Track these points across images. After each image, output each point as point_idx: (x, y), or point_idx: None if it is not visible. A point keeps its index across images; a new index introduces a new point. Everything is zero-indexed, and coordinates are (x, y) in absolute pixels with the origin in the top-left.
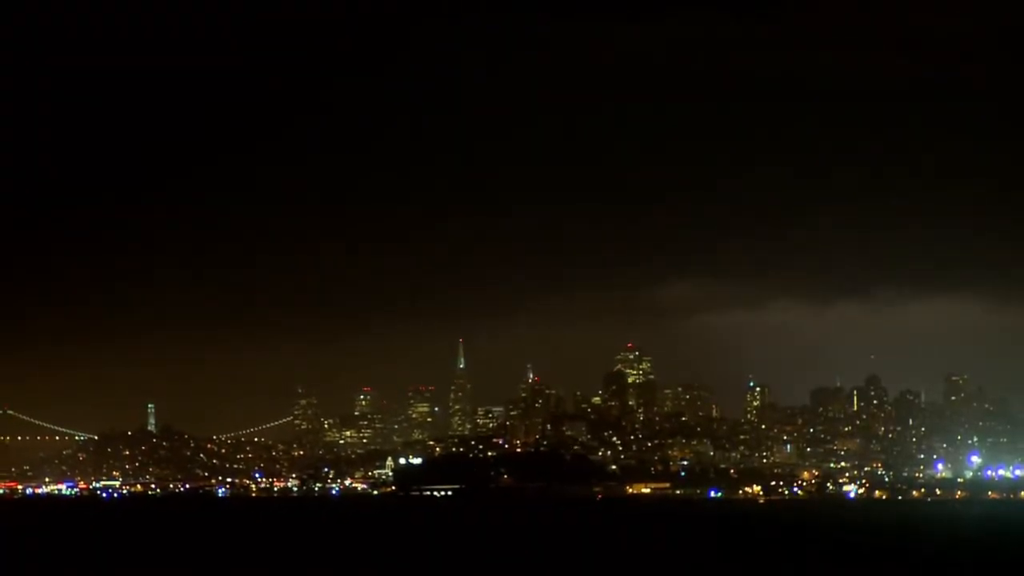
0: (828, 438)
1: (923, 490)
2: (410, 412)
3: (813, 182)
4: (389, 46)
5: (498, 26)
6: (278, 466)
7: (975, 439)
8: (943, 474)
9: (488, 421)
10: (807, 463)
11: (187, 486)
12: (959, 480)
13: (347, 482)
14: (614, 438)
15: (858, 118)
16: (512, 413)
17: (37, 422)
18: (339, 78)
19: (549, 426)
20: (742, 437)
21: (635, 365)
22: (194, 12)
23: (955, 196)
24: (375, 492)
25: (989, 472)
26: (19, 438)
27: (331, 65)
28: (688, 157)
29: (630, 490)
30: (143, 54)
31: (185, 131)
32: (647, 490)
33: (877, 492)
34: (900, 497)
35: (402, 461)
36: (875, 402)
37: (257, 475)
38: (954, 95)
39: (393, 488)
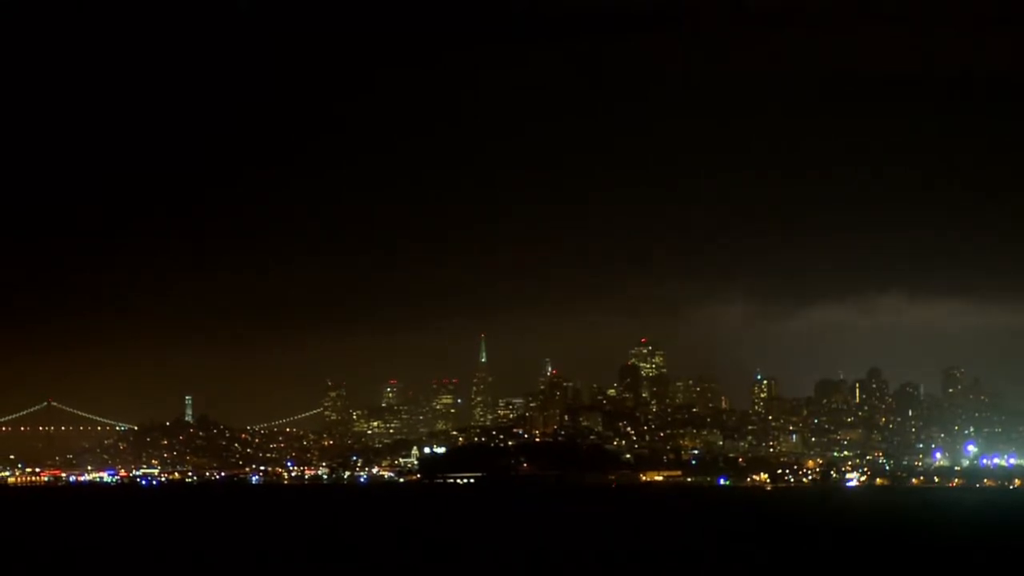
0: (832, 428)
1: (922, 478)
2: (434, 404)
3: (816, 183)
4: (397, 59)
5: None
6: (309, 455)
7: (971, 429)
8: (941, 463)
9: (508, 412)
10: (812, 452)
11: (222, 474)
12: (956, 469)
13: (374, 470)
14: (628, 428)
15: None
16: (531, 405)
17: (80, 413)
18: (365, 86)
19: (566, 417)
20: (750, 427)
21: (648, 359)
22: (220, 29)
23: (954, 197)
24: (401, 480)
25: (985, 461)
26: (63, 428)
27: (359, 74)
28: (691, 158)
29: (643, 478)
30: (178, 68)
31: (223, 138)
32: (659, 478)
33: (878, 480)
34: (915, 482)
35: (427, 450)
36: (876, 394)
37: (289, 463)
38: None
39: (418, 476)
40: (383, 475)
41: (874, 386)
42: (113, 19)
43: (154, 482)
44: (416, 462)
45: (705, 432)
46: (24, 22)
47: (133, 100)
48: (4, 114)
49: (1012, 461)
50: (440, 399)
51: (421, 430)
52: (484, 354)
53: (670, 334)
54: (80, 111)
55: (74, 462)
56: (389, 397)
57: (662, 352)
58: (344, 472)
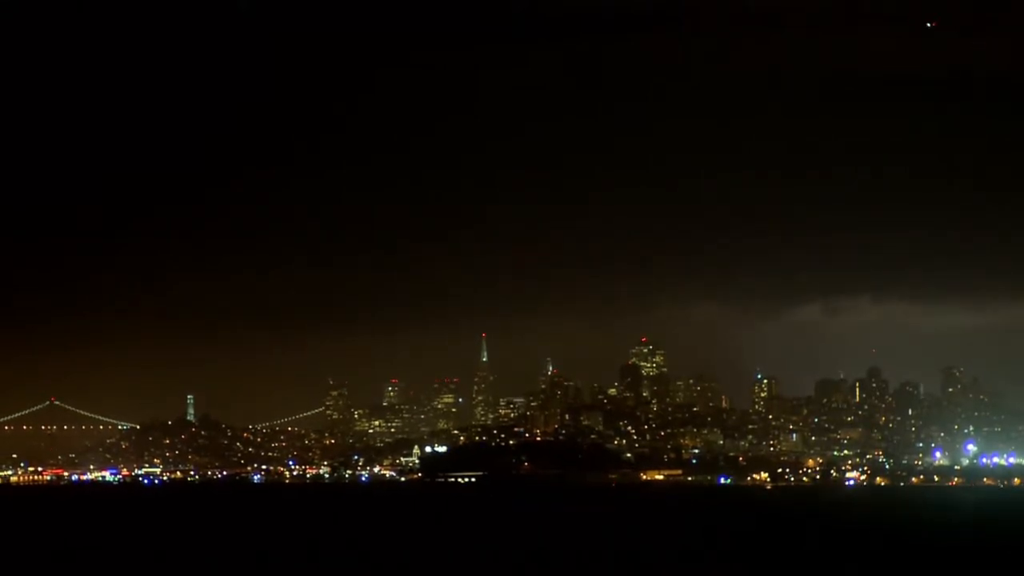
0: (832, 427)
1: (922, 477)
2: (435, 403)
3: (816, 183)
4: (397, 59)
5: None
6: (310, 454)
7: (971, 428)
8: (941, 462)
9: (509, 411)
10: (812, 451)
11: (224, 473)
12: (956, 468)
13: (376, 469)
14: (629, 427)
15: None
16: (532, 404)
17: (82, 412)
18: (365, 86)
19: (567, 416)
20: (750, 427)
21: (649, 358)
22: (220, 29)
23: (954, 197)
24: (402, 479)
25: (984, 460)
26: (65, 428)
27: (359, 74)
28: (691, 158)
29: (644, 477)
30: (178, 69)
31: (223, 138)
32: (660, 477)
33: (878, 479)
34: (915, 481)
35: (428, 449)
36: (876, 394)
37: (291, 463)
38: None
39: (419, 475)
40: (384, 474)
41: (874, 385)
42: (113, 19)
43: (156, 481)
44: (417, 461)
45: (705, 431)
46: (24, 22)
47: (133, 100)
48: (4, 114)
49: (1011, 460)
50: (441, 398)
51: (422, 429)
52: (485, 353)
53: (670, 334)
54: (80, 111)
55: (76, 461)
56: (390, 396)
57: (662, 351)
58: (346, 471)
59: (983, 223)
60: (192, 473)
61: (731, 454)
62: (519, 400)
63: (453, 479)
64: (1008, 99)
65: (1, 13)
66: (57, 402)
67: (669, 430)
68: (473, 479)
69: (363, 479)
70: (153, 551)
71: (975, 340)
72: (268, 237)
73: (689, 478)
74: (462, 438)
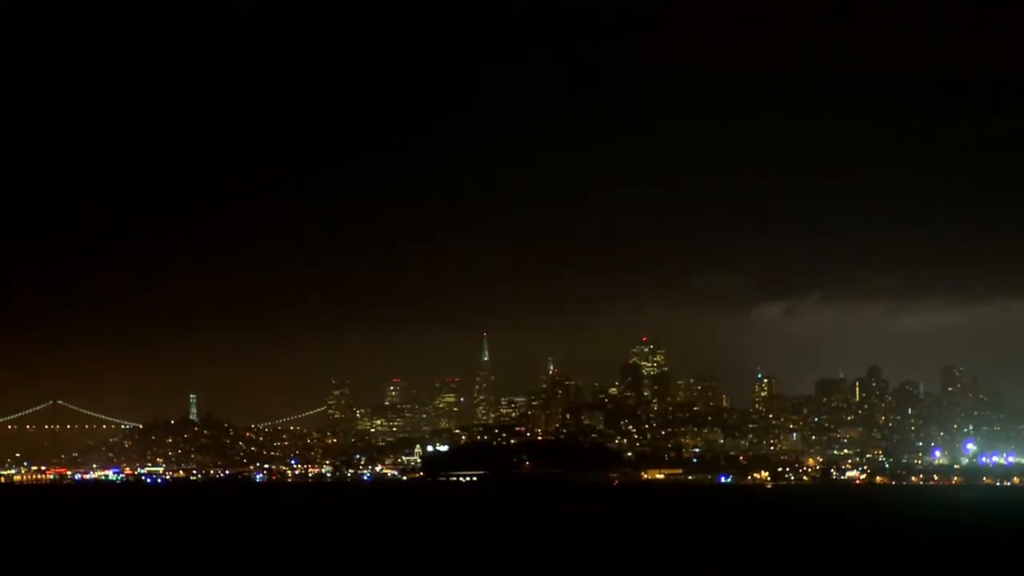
0: (832, 427)
1: (921, 476)
2: (437, 402)
3: (816, 183)
4: (397, 59)
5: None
6: (313, 453)
7: (970, 428)
8: (940, 461)
9: (511, 411)
10: (812, 450)
11: (226, 472)
12: (955, 467)
13: (378, 468)
14: (630, 427)
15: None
16: (533, 403)
17: (86, 412)
18: (365, 86)
19: (568, 415)
20: (751, 426)
21: (650, 358)
22: (220, 29)
23: (954, 197)
24: (404, 478)
25: (983, 459)
26: (69, 427)
27: (359, 74)
28: (691, 158)
29: (645, 476)
30: (179, 69)
31: (223, 138)
32: (661, 476)
33: (878, 478)
34: (915, 480)
35: (429, 448)
36: (876, 393)
37: (293, 462)
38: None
39: (421, 474)
40: (386, 473)
41: (874, 385)
42: (113, 19)
43: (159, 480)
44: (419, 460)
45: (706, 430)
46: (24, 22)
47: (133, 100)
48: (4, 114)
49: (1011, 459)
50: (443, 398)
51: (424, 428)
52: (486, 353)
53: (670, 334)
54: (80, 111)
55: (79, 460)
56: (392, 396)
57: (663, 351)
58: (348, 470)
59: (983, 223)
60: (195, 472)
61: (732, 453)
62: (520, 399)
63: (455, 478)
64: (1008, 99)
65: (1, 13)
66: (60, 402)
67: (670, 429)
68: (474, 478)
69: (365, 478)
70: (155, 550)
71: (975, 340)
72: (268, 237)
73: (690, 477)
74: (463, 437)
